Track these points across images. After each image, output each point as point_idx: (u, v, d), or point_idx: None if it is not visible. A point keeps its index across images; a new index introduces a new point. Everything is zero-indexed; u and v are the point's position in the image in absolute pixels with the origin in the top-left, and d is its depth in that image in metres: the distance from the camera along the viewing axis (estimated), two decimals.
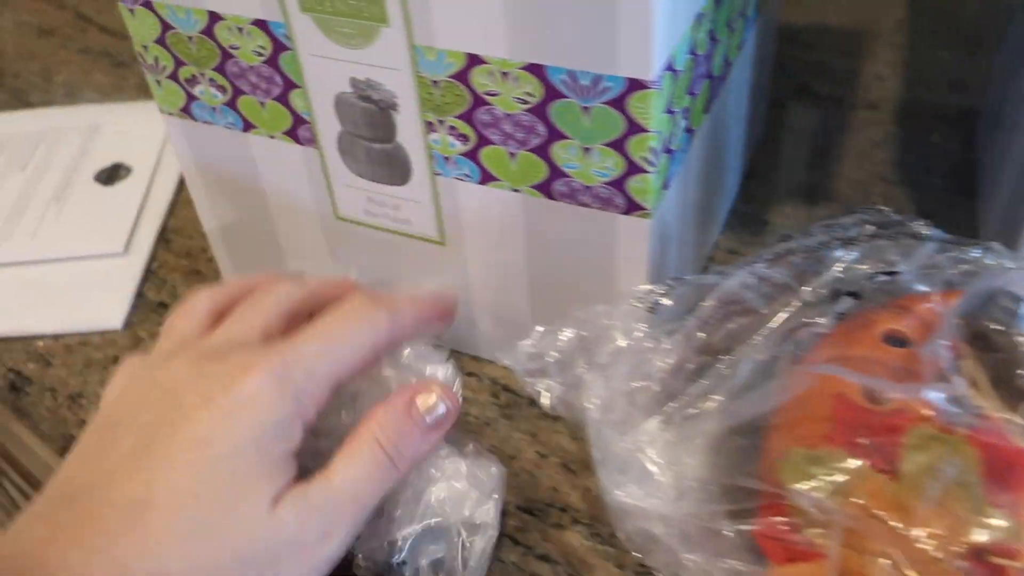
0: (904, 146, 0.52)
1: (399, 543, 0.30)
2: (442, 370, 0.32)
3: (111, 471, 0.26)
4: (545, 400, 0.31)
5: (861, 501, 0.24)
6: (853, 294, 0.29)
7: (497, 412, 0.39)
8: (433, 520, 0.31)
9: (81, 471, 0.27)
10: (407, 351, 0.32)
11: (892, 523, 0.23)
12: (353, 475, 0.28)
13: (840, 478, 0.25)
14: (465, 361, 0.41)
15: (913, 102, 0.55)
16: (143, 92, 0.63)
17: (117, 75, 0.66)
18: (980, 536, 0.23)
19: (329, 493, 0.27)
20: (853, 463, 0.25)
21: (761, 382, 0.28)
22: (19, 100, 0.64)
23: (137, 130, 0.58)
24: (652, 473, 0.30)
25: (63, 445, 0.40)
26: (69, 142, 0.58)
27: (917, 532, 0.23)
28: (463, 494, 0.31)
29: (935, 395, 0.24)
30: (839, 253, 0.31)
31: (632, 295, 0.32)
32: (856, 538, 0.25)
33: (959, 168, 0.50)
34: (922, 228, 0.30)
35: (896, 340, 0.29)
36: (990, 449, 0.24)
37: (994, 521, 0.23)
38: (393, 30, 0.31)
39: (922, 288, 0.30)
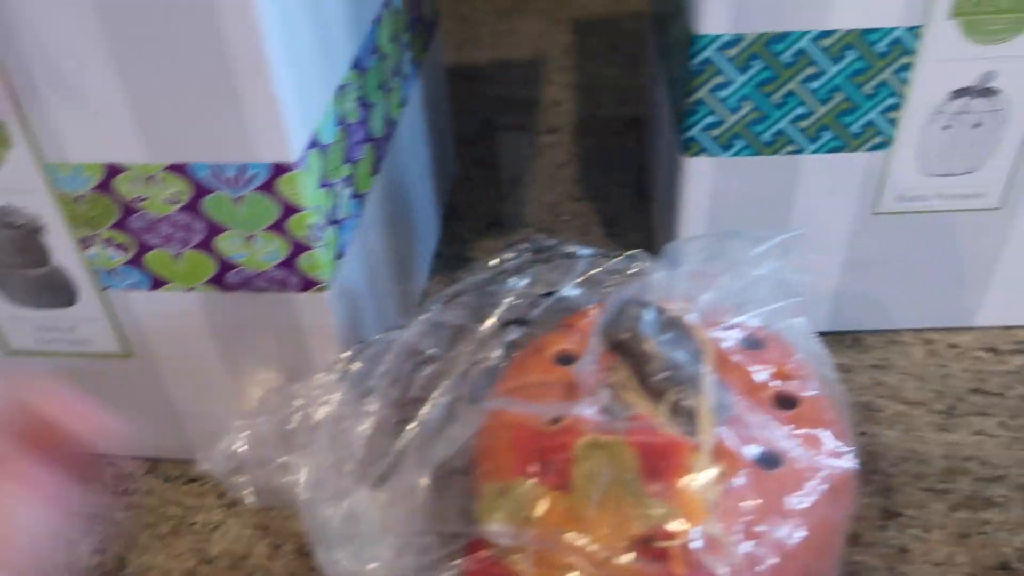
0: (585, 162, 0.56)
1: None
2: None
3: None
4: (250, 497, 0.31)
5: (544, 520, 0.26)
6: (519, 321, 0.31)
7: (224, 513, 0.38)
8: None
9: None
10: None
11: (566, 535, 0.25)
12: None
13: (523, 504, 0.27)
14: (184, 467, 0.40)
15: (588, 120, 0.60)
16: None
17: None
18: (644, 526, 0.25)
19: None
20: (529, 486, 0.27)
21: (446, 427, 0.29)
22: None
23: None
24: (369, 538, 0.30)
25: None
26: None
27: (590, 537, 0.25)
28: None
29: (587, 408, 0.27)
30: (507, 285, 0.33)
31: (322, 367, 0.32)
32: (547, 557, 0.26)
33: (634, 175, 0.55)
34: (573, 247, 0.33)
35: (566, 358, 0.31)
36: (644, 444, 0.27)
37: (654, 510, 0.26)
38: (19, 151, 0.30)
39: (581, 303, 0.33)
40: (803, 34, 0.34)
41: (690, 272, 0.30)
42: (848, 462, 0.29)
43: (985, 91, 0.35)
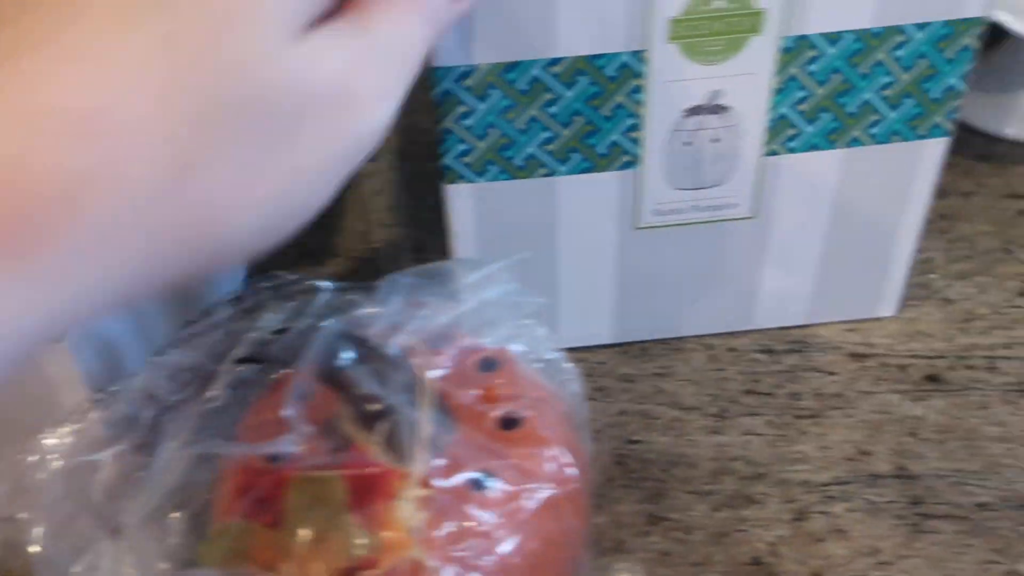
0: (401, 188, 0.57)
1: None
2: None
3: None
4: None
5: (256, 559, 0.27)
6: (251, 359, 0.31)
7: None
8: None
9: None
10: None
11: (270, 574, 0.26)
12: (396, 29, 0.22)
13: (238, 544, 0.27)
14: None
15: (409, 145, 0.60)
16: None
17: None
18: (348, 558, 0.26)
19: (375, 43, 0.21)
20: (243, 526, 0.27)
21: (171, 471, 0.29)
22: None
23: None
24: None
25: None
26: None
27: (295, 574, 0.26)
28: None
29: (290, 444, 0.27)
30: (255, 323, 0.33)
31: (60, 418, 0.32)
32: None
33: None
34: (315, 282, 0.34)
35: None
36: (354, 476, 0.27)
37: (357, 541, 0.26)
38: None
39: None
40: (534, 62, 0.35)
41: (404, 301, 0.30)
42: (571, 476, 0.30)
43: (716, 108, 0.37)
